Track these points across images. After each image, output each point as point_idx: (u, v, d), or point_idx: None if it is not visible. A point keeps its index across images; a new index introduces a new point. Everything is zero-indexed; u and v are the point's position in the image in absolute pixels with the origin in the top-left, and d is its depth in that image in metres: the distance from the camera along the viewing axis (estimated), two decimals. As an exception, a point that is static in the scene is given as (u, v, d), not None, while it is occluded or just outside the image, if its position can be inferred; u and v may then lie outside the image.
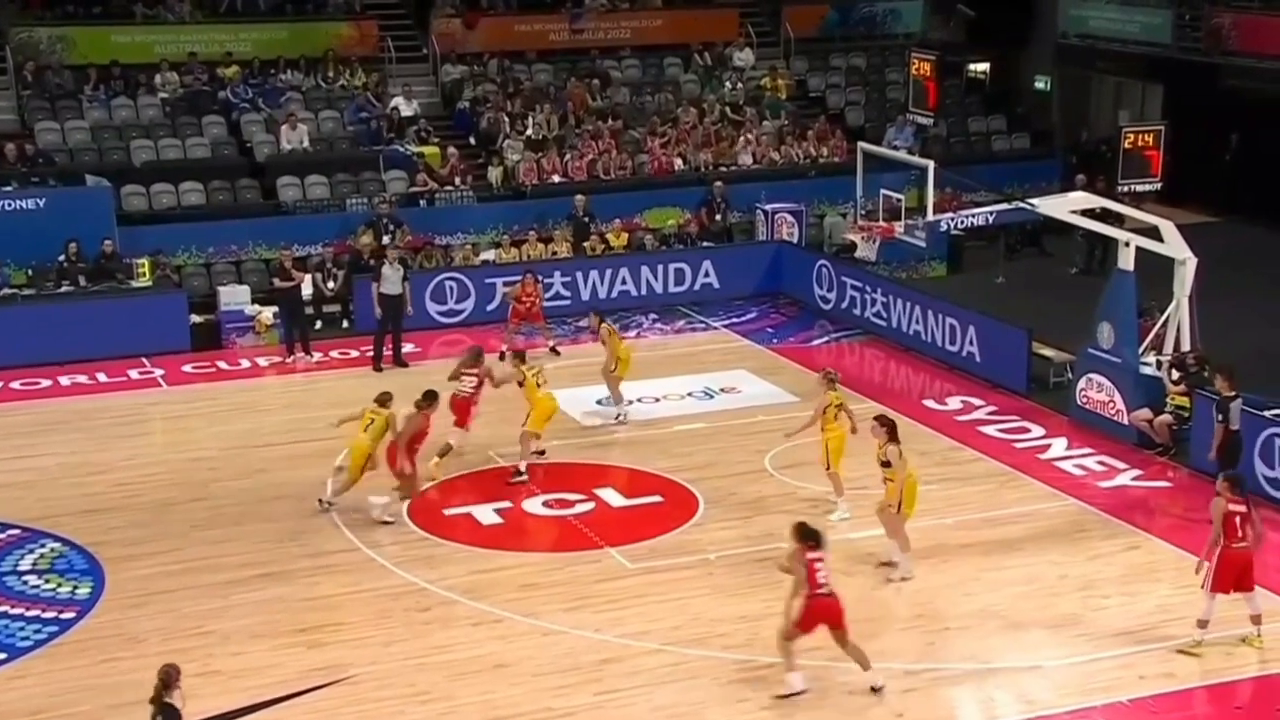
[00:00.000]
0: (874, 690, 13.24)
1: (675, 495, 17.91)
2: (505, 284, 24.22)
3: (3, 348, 22.67)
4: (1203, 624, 13.85)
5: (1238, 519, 13.76)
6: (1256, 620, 14.00)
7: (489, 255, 26.65)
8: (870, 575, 15.67)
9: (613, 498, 17.86)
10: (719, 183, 28.44)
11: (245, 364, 23.31)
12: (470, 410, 18.70)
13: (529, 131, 29.47)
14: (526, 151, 28.89)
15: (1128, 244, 19.70)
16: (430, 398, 17.41)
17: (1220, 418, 17.11)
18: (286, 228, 26.29)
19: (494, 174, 28.76)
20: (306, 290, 24.16)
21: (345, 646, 14.22)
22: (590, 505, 17.59)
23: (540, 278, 23.80)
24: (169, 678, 11.23)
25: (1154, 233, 20.11)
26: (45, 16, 30.14)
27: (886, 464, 15.55)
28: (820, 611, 13.03)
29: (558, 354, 23.08)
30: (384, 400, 17.42)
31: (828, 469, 17.17)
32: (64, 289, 24.05)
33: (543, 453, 18.64)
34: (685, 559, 16.15)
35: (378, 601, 15.22)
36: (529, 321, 23.26)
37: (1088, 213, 21.22)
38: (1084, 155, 31.62)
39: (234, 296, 24.46)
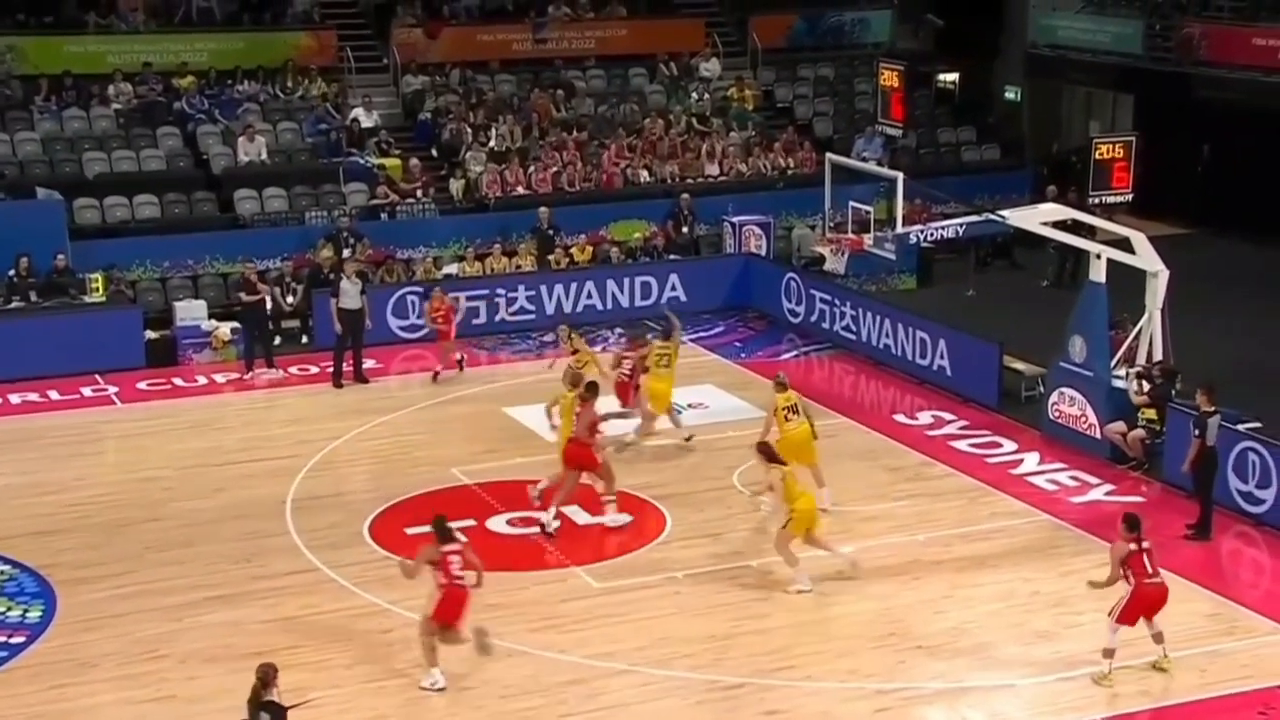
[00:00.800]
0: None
1: (642, 512, 17.88)
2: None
3: (-49, 365, 22.48)
4: (1109, 653, 13.82)
5: (1145, 556, 13.80)
6: (1159, 639, 13.99)
7: (452, 269, 26.60)
8: (840, 594, 15.66)
9: (579, 516, 17.80)
10: (685, 195, 28.49)
11: (202, 381, 23.17)
12: (630, 393, 19.48)
13: (492, 143, 29.47)
14: (489, 163, 28.88)
15: (1099, 256, 19.81)
16: (592, 389, 17.68)
17: (1197, 433, 17.20)
18: (244, 241, 26.19)
19: (456, 186, 28.73)
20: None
21: (305, 670, 14.10)
22: (556, 523, 17.51)
23: (448, 292, 23.64)
24: (267, 676, 11.34)
25: (1126, 244, 20.24)
26: (-5, 26, 30.01)
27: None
28: (456, 602, 13.53)
29: (463, 369, 22.97)
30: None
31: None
32: (14, 305, 23.88)
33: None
34: (652, 578, 16.11)
35: (338, 623, 15.14)
36: (442, 339, 23.05)
37: (1059, 224, 21.34)
38: (1055, 166, 31.83)
39: (190, 312, 24.33)
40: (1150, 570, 13.78)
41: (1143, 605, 13.78)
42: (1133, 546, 13.81)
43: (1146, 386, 19.07)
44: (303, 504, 18.21)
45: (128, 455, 20.23)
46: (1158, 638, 14.00)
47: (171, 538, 17.28)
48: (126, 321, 23.93)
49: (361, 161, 28.49)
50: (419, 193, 28.06)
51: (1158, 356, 19.76)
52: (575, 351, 19.96)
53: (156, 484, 18.98)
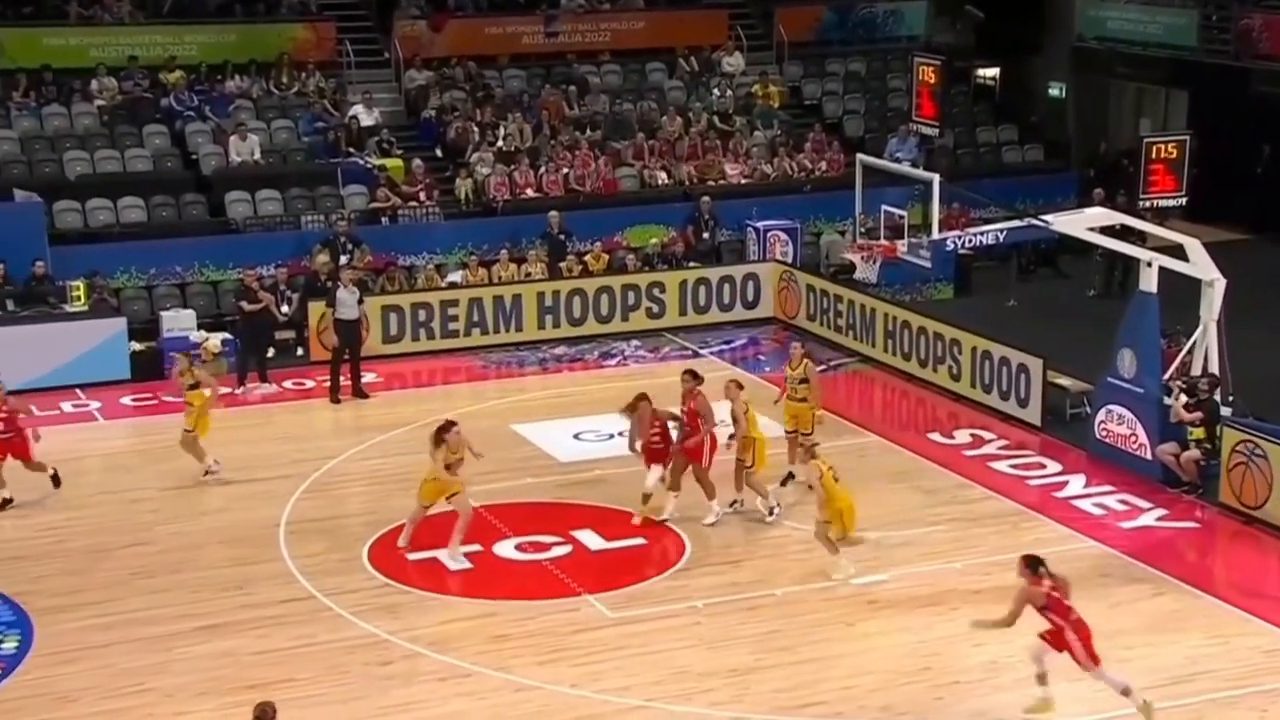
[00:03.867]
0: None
1: (659, 538, 17.90)
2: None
3: (-77, 378, 22.58)
4: (1127, 692, 13.66)
5: (1059, 593, 13.63)
6: (1041, 679, 13.85)
7: (455, 277, 26.67)
8: (872, 624, 15.66)
9: (592, 540, 17.83)
10: (706, 198, 28.53)
11: (190, 396, 23.22)
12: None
13: (500, 143, 29.55)
14: (497, 164, 28.96)
15: (1150, 264, 19.78)
16: (694, 375, 18.58)
17: None
18: (235, 247, 26.30)
19: (462, 188, 28.82)
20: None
21: (299, 705, 14.12)
22: (567, 549, 17.56)
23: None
24: (265, 715, 11.44)
25: (1179, 251, 20.22)
26: (-30, 18, 30.22)
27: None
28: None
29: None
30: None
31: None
32: (-10, 314, 24.03)
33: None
34: (670, 607, 16.12)
35: (334, 655, 15.16)
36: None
37: (1107, 230, 21.32)
38: (1103, 168, 31.79)
39: (178, 322, 24.43)
40: (1071, 609, 13.60)
41: (1089, 637, 13.64)
42: (1045, 586, 13.58)
43: (1190, 400, 18.99)
44: (297, 527, 18.25)
45: (111, 475, 20.29)
46: (1042, 678, 13.78)
47: (157, 563, 17.32)
48: (109, 332, 23.98)
49: (361, 162, 28.60)
50: (422, 196, 28.15)
51: (1213, 370, 19.70)
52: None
53: (141, 506, 19.04)
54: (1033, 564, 13.82)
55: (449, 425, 17.29)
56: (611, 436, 20.89)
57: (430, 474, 17.26)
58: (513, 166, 28.92)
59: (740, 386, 18.53)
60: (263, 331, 23.77)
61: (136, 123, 28.93)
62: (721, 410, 18.42)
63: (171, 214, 27.43)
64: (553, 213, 27.47)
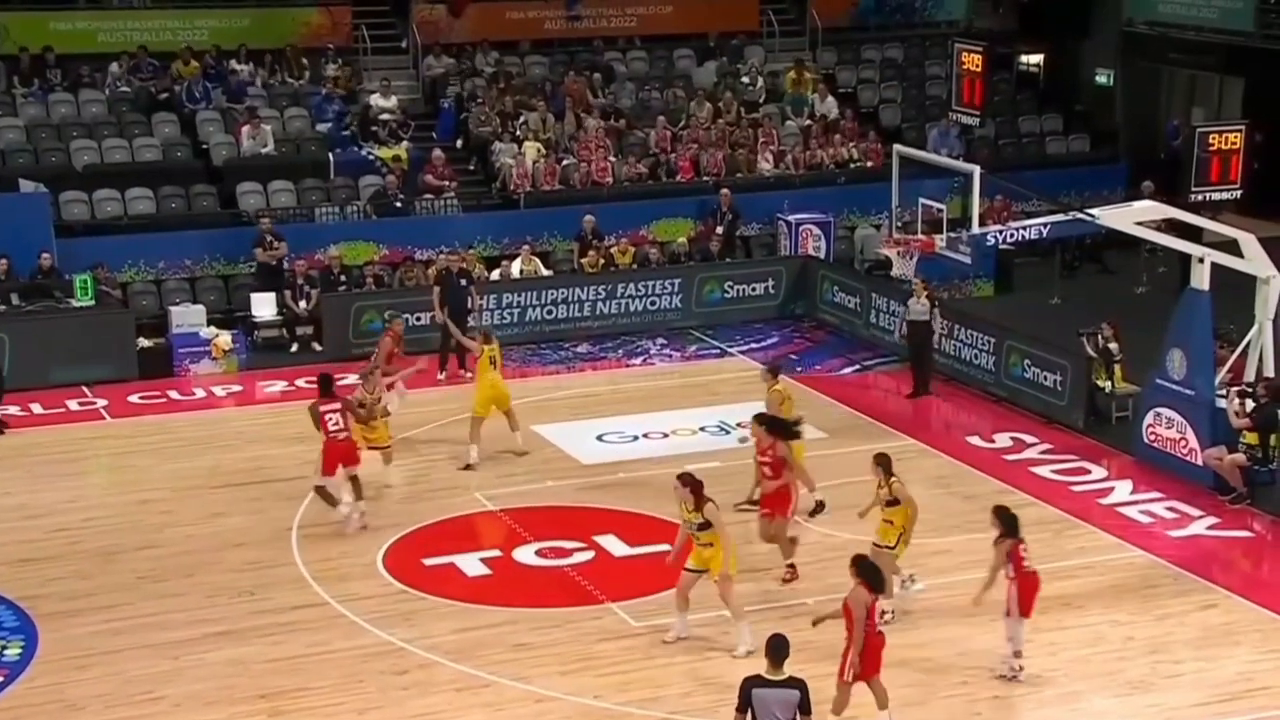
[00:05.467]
0: None
1: (684, 544, 17.88)
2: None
3: (-75, 375, 22.75)
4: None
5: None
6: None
7: (514, 270, 26.50)
8: (909, 635, 15.67)
9: (615, 546, 17.89)
10: (725, 191, 28.47)
11: (200, 394, 23.39)
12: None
13: (520, 132, 29.59)
14: (519, 154, 29.01)
15: (1202, 260, 19.74)
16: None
17: None
18: (247, 240, 26.36)
19: (485, 180, 28.84)
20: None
21: (312, 715, 14.23)
22: (590, 554, 17.62)
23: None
24: None
25: (1233, 247, 20.17)
26: (-28, 1, 30.39)
27: (893, 502, 16.06)
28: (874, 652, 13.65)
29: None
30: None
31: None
32: (-6, 308, 24.17)
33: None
34: (697, 615, 16.13)
35: (349, 663, 15.24)
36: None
37: (1171, 224, 21.26)
38: (1168, 157, 31.30)
39: (187, 317, 24.57)
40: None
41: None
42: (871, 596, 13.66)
43: (1249, 406, 18.99)
44: (310, 531, 18.35)
45: (119, 475, 20.43)
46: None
47: (167, 567, 17.43)
48: (117, 328, 24.17)
49: (378, 152, 28.68)
50: (448, 184, 28.14)
51: (1268, 373, 19.66)
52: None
53: (151, 507, 19.15)
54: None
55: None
56: (636, 438, 20.95)
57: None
58: (535, 157, 28.92)
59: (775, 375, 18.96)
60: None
61: (146, 111, 29.06)
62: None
63: (181, 205, 27.54)
64: (587, 217, 27.37)
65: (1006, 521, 14.83)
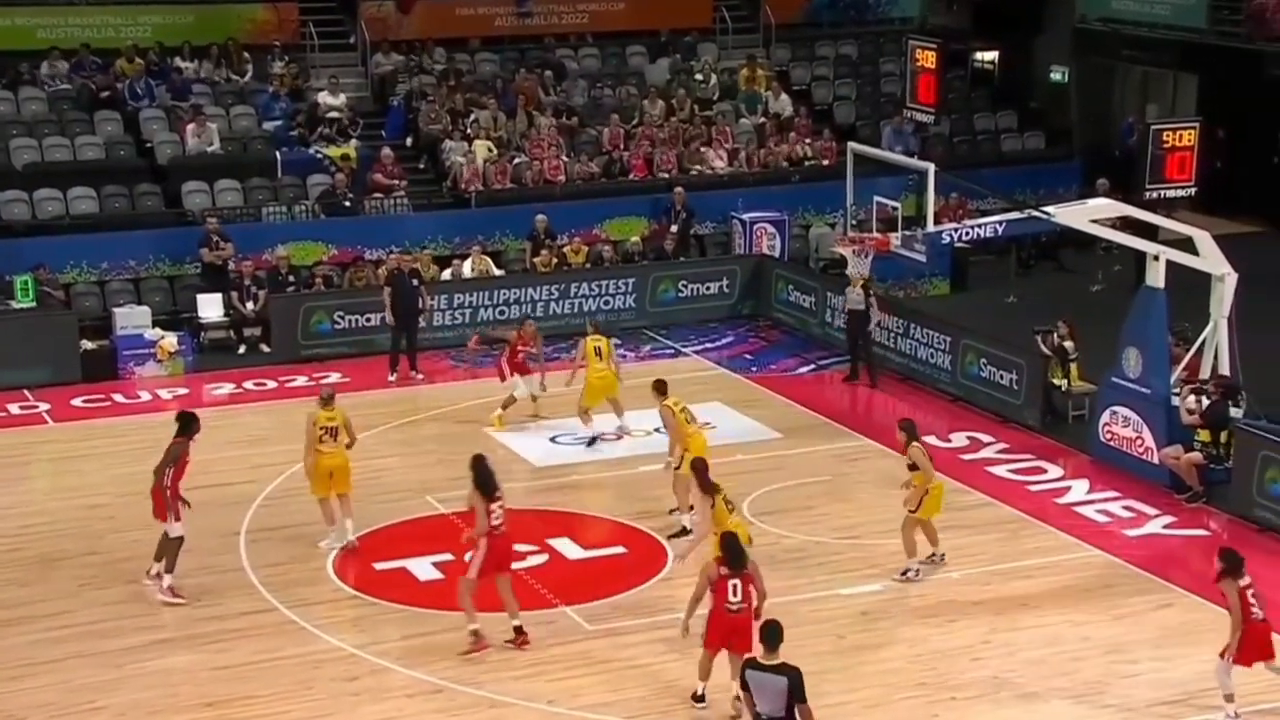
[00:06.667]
0: None
1: (640, 546, 17.92)
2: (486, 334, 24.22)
3: None
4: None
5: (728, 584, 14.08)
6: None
7: (466, 270, 26.47)
8: (867, 637, 15.68)
9: (569, 549, 17.85)
10: (679, 189, 28.48)
11: (146, 396, 23.23)
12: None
13: (472, 130, 29.52)
14: (470, 153, 28.94)
15: (1157, 258, 19.87)
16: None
17: None
18: (193, 240, 26.19)
19: (435, 179, 28.76)
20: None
21: (261, 723, 14.18)
22: (544, 558, 17.58)
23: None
24: None
25: (1188, 245, 20.30)
26: (-94, -5, 30.08)
27: (913, 467, 16.77)
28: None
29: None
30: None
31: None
32: (-70, 311, 23.97)
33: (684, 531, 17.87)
34: (652, 619, 16.14)
35: (298, 670, 15.16)
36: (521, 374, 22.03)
37: (1126, 221, 21.38)
38: (1123, 154, 31.37)
39: (132, 319, 24.38)
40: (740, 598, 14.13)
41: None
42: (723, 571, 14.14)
43: (1204, 403, 19.10)
44: (258, 536, 18.25)
45: (61, 480, 20.26)
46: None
47: (112, 573, 17.28)
48: (59, 330, 23.98)
49: (325, 151, 28.56)
50: (398, 183, 28.05)
51: (1224, 370, 19.80)
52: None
53: (95, 513, 19.00)
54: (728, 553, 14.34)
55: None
56: (591, 441, 20.93)
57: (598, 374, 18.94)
58: (486, 155, 28.85)
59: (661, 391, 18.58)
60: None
61: (88, 109, 28.85)
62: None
63: (125, 205, 27.35)
64: (539, 216, 27.29)
65: (1230, 560, 14.02)
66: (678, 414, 18.13)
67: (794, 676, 12.04)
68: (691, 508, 16.97)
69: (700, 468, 16.17)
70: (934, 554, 17.19)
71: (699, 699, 14.36)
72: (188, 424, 17.09)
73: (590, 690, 14.75)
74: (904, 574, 16.95)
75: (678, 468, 17.79)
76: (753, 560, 14.44)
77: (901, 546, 16.98)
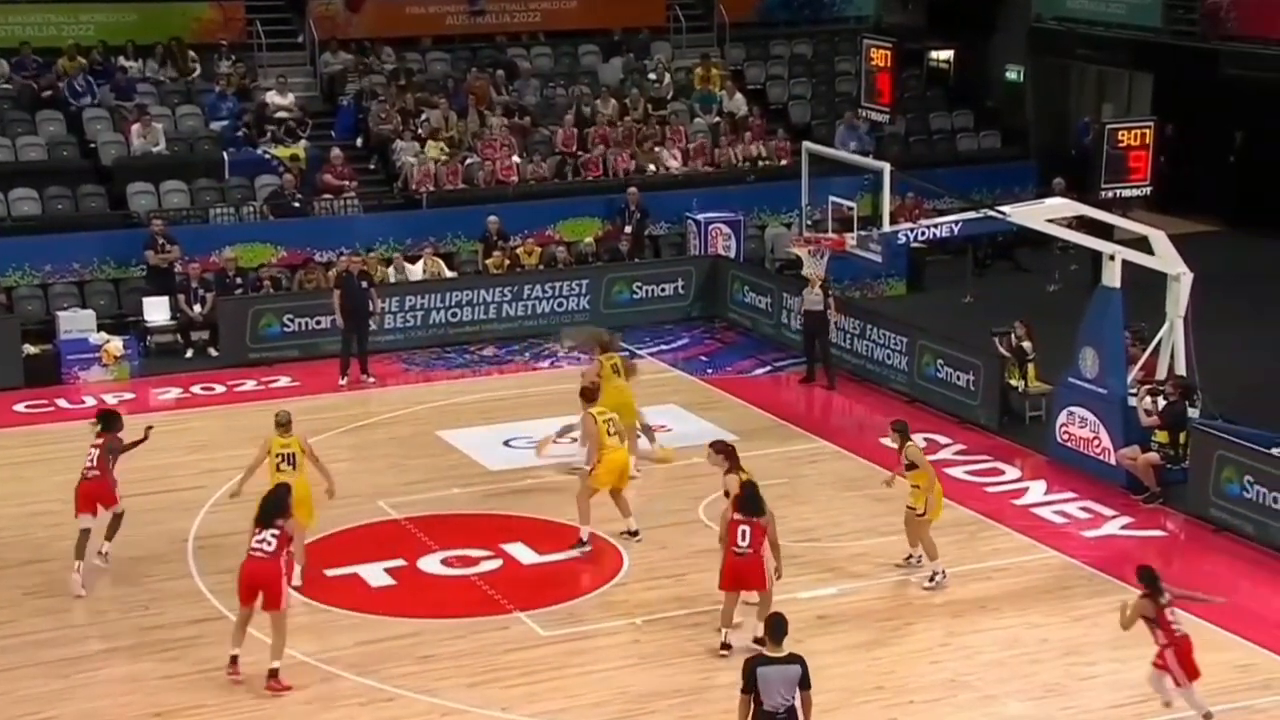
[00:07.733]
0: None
1: (596, 550, 17.91)
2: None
3: None
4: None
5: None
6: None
7: (417, 271, 26.40)
8: (822, 641, 15.73)
9: (524, 554, 17.83)
10: (633, 189, 28.50)
11: (90, 402, 23.00)
12: None
13: (423, 130, 29.47)
14: (421, 153, 28.89)
15: (1113, 257, 19.99)
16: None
17: None
18: (138, 242, 26.05)
19: (386, 180, 28.68)
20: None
21: (210, 732, 14.11)
22: (498, 563, 17.55)
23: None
24: None
25: (1143, 244, 20.44)
26: None
27: (911, 466, 16.97)
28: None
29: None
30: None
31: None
32: None
33: (634, 534, 18.09)
34: (608, 624, 16.15)
35: (249, 679, 15.05)
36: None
37: (1083, 221, 21.50)
38: (1078, 154, 31.52)
39: (76, 323, 24.24)
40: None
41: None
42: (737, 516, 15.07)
43: (1161, 404, 19.25)
44: (207, 543, 18.14)
45: (4, 488, 20.09)
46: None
47: (57, 582, 17.13)
48: (1, 334, 23.80)
49: (273, 151, 28.46)
50: (348, 184, 27.97)
51: (1180, 370, 19.95)
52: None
53: (39, 520, 18.85)
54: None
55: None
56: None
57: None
58: (437, 156, 28.80)
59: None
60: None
61: (29, 109, 28.65)
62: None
63: (68, 206, 27.19)
64: (491, 218, 27.30)
65: (1148, 580, 14.12)
66: (600, 424, 17.87)
67: (803, 664, 12.25)
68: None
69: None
70: (911, 555, 17.21)
71: (725, 647, 15.17)
72: (113, 421, 17.62)
73: (546, 696, 14.73)
74: (931, 579, 16.90)
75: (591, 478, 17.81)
76: (771, 511, 15.30)
77: (882, 552, 17.08)
